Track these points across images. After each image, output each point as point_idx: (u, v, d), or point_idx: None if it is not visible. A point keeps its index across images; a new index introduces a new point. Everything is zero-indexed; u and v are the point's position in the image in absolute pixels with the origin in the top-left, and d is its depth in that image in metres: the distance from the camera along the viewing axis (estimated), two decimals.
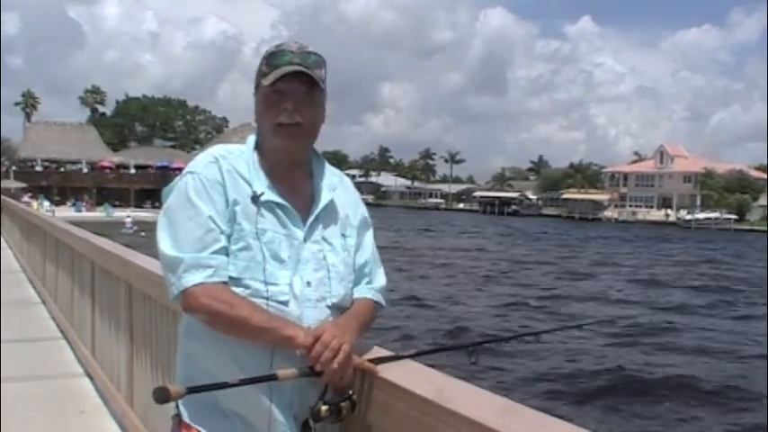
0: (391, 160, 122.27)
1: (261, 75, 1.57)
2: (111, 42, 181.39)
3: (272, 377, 1.40)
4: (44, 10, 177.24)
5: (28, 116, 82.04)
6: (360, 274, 1.66)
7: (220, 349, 1.51)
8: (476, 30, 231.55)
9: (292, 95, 1.54)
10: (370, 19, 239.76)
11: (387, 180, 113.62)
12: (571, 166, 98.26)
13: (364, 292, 1.65)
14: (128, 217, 41.07)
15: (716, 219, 69.85)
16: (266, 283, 1.50)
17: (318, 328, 1.45)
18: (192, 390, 1.34)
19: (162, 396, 1.29)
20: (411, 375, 1.43)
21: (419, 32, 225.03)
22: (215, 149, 1.62)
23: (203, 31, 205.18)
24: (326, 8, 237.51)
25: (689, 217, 71.95)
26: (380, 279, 1.71)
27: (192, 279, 1.47)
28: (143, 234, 31.29)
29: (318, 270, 1.57)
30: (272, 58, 1.55)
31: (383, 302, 1.70)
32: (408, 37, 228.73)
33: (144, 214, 41.57)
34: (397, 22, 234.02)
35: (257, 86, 1.59)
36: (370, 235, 1.72)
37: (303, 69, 1.52)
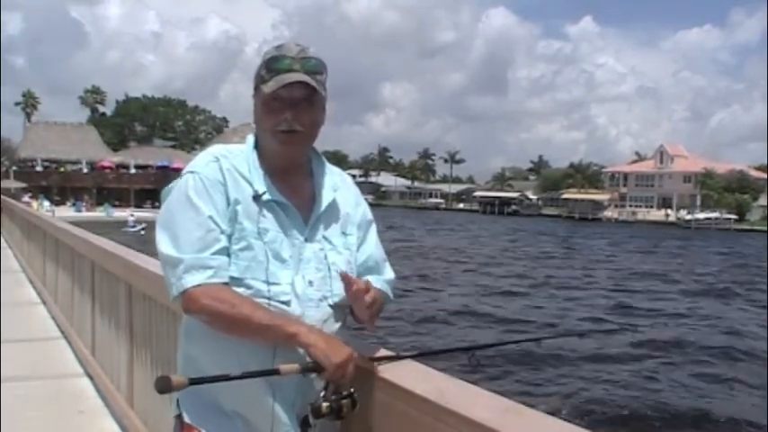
0: (391, 160, 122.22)
1: (260, 79, 1.56)
2: (113, 42, 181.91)
3: (275, 371, 1.40)
4: (46, 10, 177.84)
5: (28, 116, 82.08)
6: (366, 270, 1.66)
7: (221, 350, 1.51)
8: (478, 30, 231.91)
9: (292, 103, 1.53)
10: (372, 19, 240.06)
11: (387, 180, 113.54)
12: (571, 165, 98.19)
13: (372, 281, 1.63)
14: (131, 216, 41.20)
15: (716, 219, 69.82)
16: (268, 283, 1.50)
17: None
18: (194, 381, 1.34)
19: (164, 385, 1.29)
20: (411, 375, 1.43)
21: (421, 33, 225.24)
22: (215, 149, 1.61)
23: (205, 32, 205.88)
24: (329, 8, 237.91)
25: (689, 217, 71.92)
26: (388, 273, 1.71)
27: (192, 280, 1.46)
28: (142, 234, 31.34)
29: (320, 269, 1.56)
30: (271, 63, 1.54)
31: (390, 295, 1.70)
32: (411, 37, 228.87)
33: (145, 214, 41.61)
34: (399, 23, 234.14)
35: (256, 89, 1.58)
36: (373, 231, 1.72)
37: (303, 79, 1.51)
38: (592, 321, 16.25)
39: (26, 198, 45.24)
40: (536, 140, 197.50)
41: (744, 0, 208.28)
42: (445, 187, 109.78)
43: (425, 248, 35.33)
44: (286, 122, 1.53)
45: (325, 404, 1.43)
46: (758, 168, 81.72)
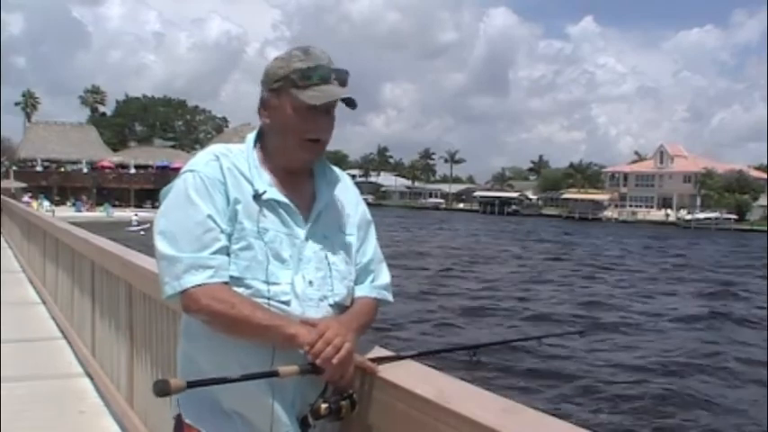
0: (391, 160, 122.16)
1: (291, 83, 1.53)
2: (114, 42, 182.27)
3: (274, 373, 1.39)
4: (48, 10, 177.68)
5: (28, 116, 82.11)
6: (363, 272, 1.66)
7: (221, 350, 1.50)
8: (479, 30, 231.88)
9: (327, 114, 1.55)
10: (373, 19, 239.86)
11: (387, 180, 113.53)
12: (571, 165, 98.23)
13: (367, 290, 1.65)
14: (135, 215, 41.33)
15: (716, 219, 69.85)
16: (268, 283, 1.50)
17: (322, 325, 1.44)
18: (192, 384, 1.33)
19: (162, 389, 1.29)
20: (411, 375, 1.43)
21: (423, 33, 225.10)
22: (215, 148, 1.61)
23: (206, 32, 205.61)
24: (330, 8, 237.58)
25: (689, 217, 71.97)
26: (384, 276, 1.71)
27: (192, 280, 1.46)
28: (143, 234, 31.34)
29: (320, 269, 1.56)
30: (309, 71, 1.52)
31: (390, 298, 1.70)
32: (412, 38, 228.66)
33: (147, 214, 41.68)
34: (401, 23, 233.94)
35: (281, 90, 1.54)
36: (372, 232, 1.72)
37: (348, 95, 1.53)
38: (594, 319, 16.28)
39: (26, 198, 45.23)
40: (536, 140, 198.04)
41: (744, 0, 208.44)
42: (445, 187, 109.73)
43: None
44: (317, 132, 1.55)
45: (324, 405, 1.42)
46: (758, 168, 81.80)
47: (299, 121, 1.54)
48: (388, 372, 1.46)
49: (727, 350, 13.65)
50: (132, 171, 64.16)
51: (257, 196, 1.54)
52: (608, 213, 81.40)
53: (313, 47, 1.58)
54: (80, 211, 51.62)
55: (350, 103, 1.55)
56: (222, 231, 1.49)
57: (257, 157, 1.60)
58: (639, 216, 78.19)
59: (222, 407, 1.52)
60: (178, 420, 1.58)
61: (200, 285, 1.46)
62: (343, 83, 1.55)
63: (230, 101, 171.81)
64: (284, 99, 1.55)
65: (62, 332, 6.21)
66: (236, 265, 1.49)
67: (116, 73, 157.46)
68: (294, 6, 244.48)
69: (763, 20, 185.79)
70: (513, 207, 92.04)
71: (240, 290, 1.48)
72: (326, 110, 1.54)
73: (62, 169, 62.40)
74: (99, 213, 50.35)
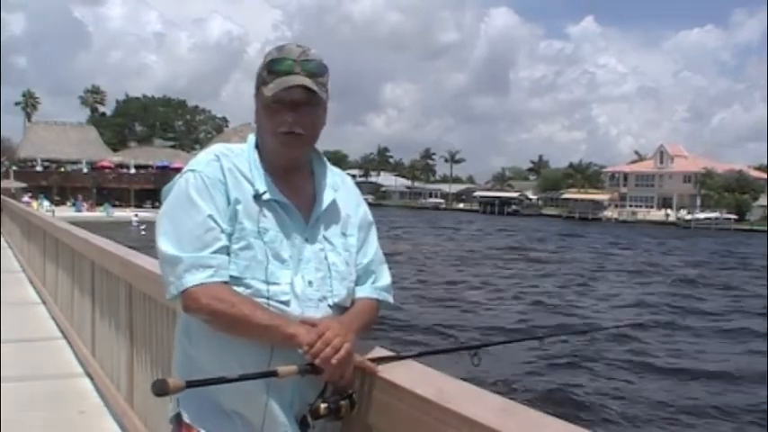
0: (391, 160, 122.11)
1: (261, 81, 1.56)
2: (115, 43, 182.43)
3: (273, 373, 1.39)
4: (49, 10, 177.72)
5: (28, 116, 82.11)
6: (364, 273, 1.66)
7: (219, 349, 1.51)
8: (480, 31, 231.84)
9: (293, 106, 1.52)
10: (375, 20, 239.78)
11: (387, 180, 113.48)
12: (571, 165, 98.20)
13: (368, 291, 1.65)
14: (135, 216, 41.37)
15: (716, 219, 69.86)
16: (267, 283, 1.50)
17: (322, 326, 1.44)
18: (191, 384, 1.33)
19: (161, 388, 1.28)
20: (411, 375, 1.43)
21: (424, 34, 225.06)
22: (216, 148, 1.62)
23: (207, 32, 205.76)
24: (331, 9, 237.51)
25: (689, 217, 71.97)
26: (385, 277, 1.71)
27: (192, 279, 1.46)
28: (143, 233, 31.37)
29: (320, 270, 1.56)
30: (272, 65, 1.53)
31: (390, 300, 1.70)
32: (413, 38, 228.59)
33: (147, 214, 41.72)
34: (402, 24, 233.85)
35: (257, 90, 1.58)
36: (373, 234, 1.72)
37: (305, 83, 1.51)
38: (594, 319, 16.28)
39: (26, 198, 45.24)
40: (536, 140, 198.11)
41: (744, 0, 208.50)
42: (445, 187, 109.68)
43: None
44: (287, 125, 1.53)
45: (323, 405, 1.43)
46: (758, 168, 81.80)
47: (268, 118, 1.55)
48: (388, 372, 1.46)
49: (728, 349, 13.66)
50: (132, 171, 64.14)
51: (258, 196, 1.54)
52: (608, 213, 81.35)
53: (290, 43, 1.58)
54: (80, 211, 51.66)
55: (313, 91, 1.51)
56: (223, 231, 1.50)
57: (257, 157, 1.60)
58: (639, 216, 78.16)
59: (221, 406, 1.52)
60: (177, 420, 1.59)
61: (200, 285, 1.46)
62: (312, 75, 1.53)
63: (231, 101, 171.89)
64: (257, 98, 1.58)
65: (62, 332, 6.21)
66: (235, 265, 1.50)
67: (117, 73, 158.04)
68: (295, 7, 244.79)
69: (764, 20, 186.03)
70: (513, 207, 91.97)
71: (240, 289, 1.49)
72: (296, 102, 1.52)
73: (62, 169, 62.39)
74: (99, 213, 50.39)
